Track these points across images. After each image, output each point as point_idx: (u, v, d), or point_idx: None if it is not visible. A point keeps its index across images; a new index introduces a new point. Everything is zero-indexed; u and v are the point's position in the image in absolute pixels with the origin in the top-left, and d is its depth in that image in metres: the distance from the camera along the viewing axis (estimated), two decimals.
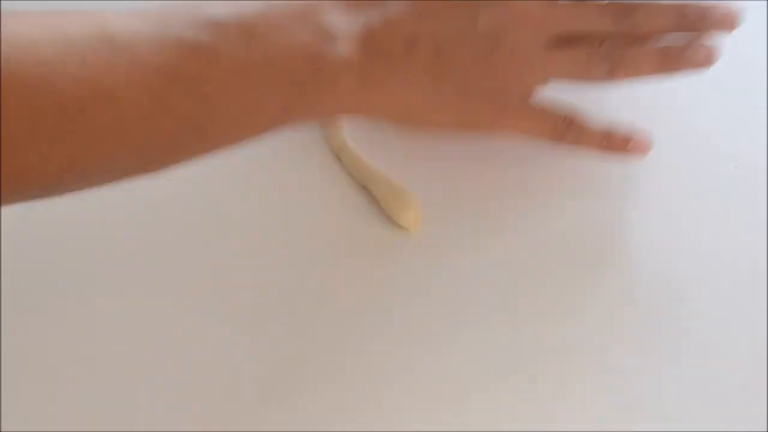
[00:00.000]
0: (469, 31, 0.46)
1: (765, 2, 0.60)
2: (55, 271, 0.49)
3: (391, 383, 0.45)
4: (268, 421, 0.43)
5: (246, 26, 0.41)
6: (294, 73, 0.42)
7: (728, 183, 0.53)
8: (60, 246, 0.49)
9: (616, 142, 0.50)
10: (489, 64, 0.47)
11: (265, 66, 0.41)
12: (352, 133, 0.52)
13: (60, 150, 0.37)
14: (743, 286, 0.49)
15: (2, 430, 0.42)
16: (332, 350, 0.46)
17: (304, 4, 0.43)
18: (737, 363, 0.46)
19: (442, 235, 0.50)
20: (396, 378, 0.45)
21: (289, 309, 0.47)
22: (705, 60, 0.50)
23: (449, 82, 0.46)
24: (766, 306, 0.47)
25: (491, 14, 0.47)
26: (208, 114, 0.40)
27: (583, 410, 0.44)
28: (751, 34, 0.59)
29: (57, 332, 0.47)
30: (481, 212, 0.51)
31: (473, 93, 0.47)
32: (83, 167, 0.38)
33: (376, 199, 0.50)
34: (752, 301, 0.48)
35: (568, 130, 0.49)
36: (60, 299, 0.48)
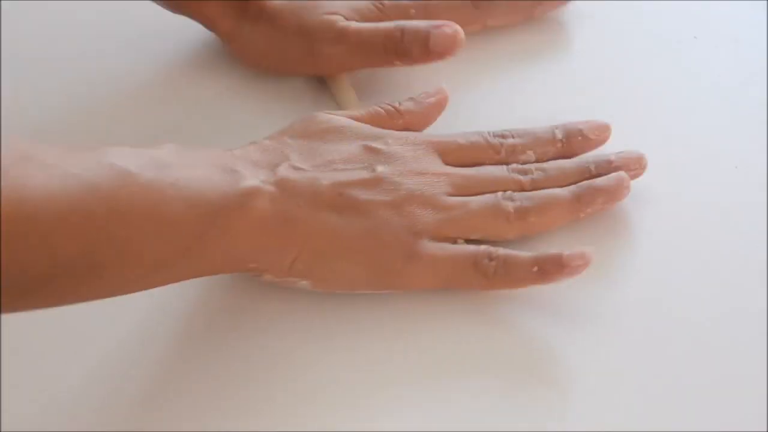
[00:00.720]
0: (368, 178, 0.47)
1: (765, 2, 0.60)
2: None
3: None
4: None
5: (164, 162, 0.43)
6: (209, 201, 0.43)
7: (728, 183, 0.53)
8: None
9: (550, 270, 0.46)
10: (394, 206, 0.47)
11: (179, 189, 0.42)
12: None
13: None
14: (743, 285, 0.49)
15: (2, 430, 0.42)
16: None
17: (217, 155, 0.45)
18: (737, 363, 0.46)
19: None
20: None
21: None
22: (618, 187, 0.49)
23: (356, 222, 0.46)
24: (766, 306, 0.47)
25: (388, 165, 0.48)
26: (128, 235, 0.41)
27: (583, 411, 0.44)
28: (751, 34, 0.59)
29: (56, 331, 0.47)
30: None
31: (383, 232, 0.46)
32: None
33: None
34: (752, 301, 0.48)
35: (492, 266, 0.46)
36: None
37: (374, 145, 0.48)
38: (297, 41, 0.55)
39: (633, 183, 0.49)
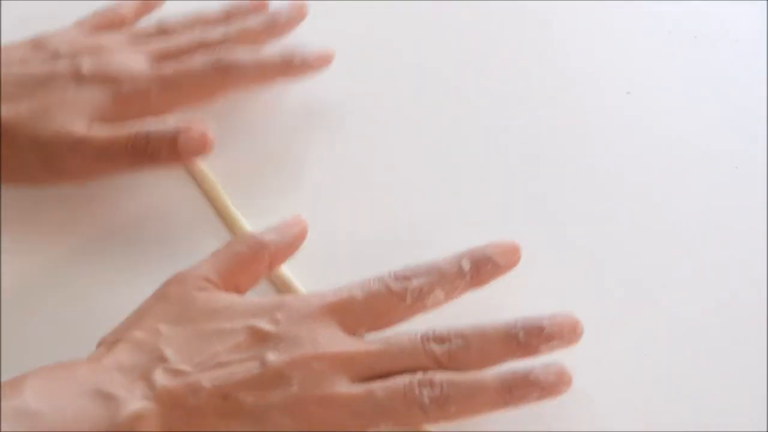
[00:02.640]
0: (255, 375, 0.42)
1: (765, 2, 0.60)
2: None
3: None
4: None
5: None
6: None
7: (728, 183, 0.53)
8: None
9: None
10: (286, 408, 0.41)
11: None
12: None
13: None
14: (743, 285, 0.49)
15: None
16: None
17: (86, 377, 0.41)
18: (737, 363, 0.46)
19: None
20: None
21: None
22: (557, 383, 0.42)
23: (241, 424, 0.41)
24: (766, 306, 0.47)
25: (279, 351, 0.42)
26: None
27: (584, 412, 0.44)
28: (751, 34, 0.59)
29: (57, 332, 0.47)
30: None
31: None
32: None
33: None
34: (752, 301, 0.48)
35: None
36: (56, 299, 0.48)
37: (262, 326, 0.43)
38: (31, 155, 0.51)
39: (632, 183, 0.49)
